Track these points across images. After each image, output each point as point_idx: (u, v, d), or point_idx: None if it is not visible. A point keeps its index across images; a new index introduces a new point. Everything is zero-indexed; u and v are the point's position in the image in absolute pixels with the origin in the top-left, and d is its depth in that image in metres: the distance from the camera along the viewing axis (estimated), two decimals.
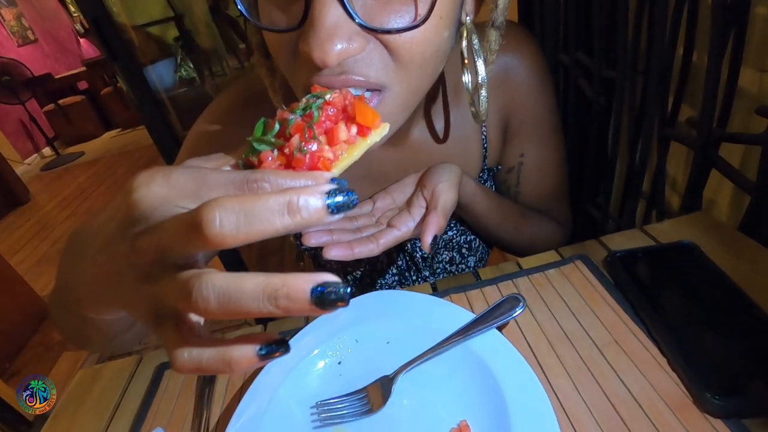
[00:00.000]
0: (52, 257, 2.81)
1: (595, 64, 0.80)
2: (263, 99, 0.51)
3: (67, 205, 3.61)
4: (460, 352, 0.43)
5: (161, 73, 2.86)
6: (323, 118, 0.28)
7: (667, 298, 0.44)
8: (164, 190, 0.23)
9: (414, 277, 0.66)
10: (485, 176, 0.62)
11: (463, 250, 0.65)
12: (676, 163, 0.77)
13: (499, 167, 0.63)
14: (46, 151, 5.05)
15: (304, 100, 0.30)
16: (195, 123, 0.59)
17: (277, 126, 0.28)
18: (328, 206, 0.21)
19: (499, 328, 0.45)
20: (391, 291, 0.55)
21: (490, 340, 0.43)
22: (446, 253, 0.64)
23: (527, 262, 0.55)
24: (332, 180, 0.24)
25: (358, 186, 0.58)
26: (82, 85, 5.36)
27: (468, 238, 0.65)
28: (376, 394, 0.43)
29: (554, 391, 0.40)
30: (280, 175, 0.24)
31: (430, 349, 0.43)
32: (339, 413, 0.42)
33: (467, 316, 0.45)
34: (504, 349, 0.41)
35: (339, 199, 0.21)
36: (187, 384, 0.50)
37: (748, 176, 0.56)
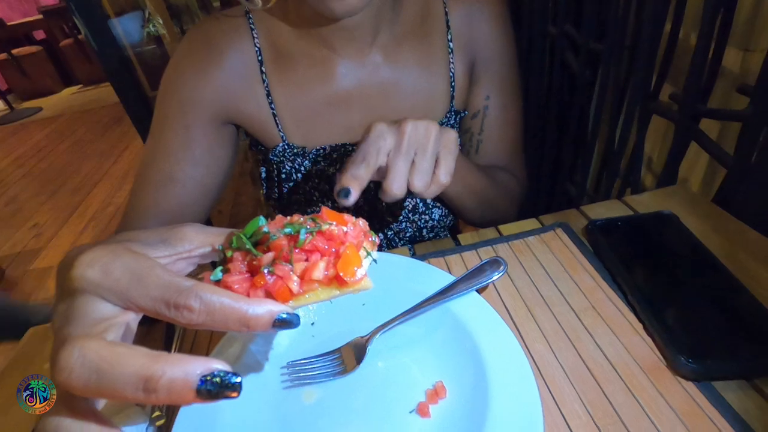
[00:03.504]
0: (6, 218, 2.65)
1: (584, 37, 0.79)
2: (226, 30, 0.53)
3: (23, 164, 3.39)
4: (438, 314, 0.42)
5: (128, 27, 2.67)
6: (309, 246, 0.25)
7: (644, 266, 0.44)
8: (97, 278, 0.22)
9: (378, 226, 0.65)
10: (452, 119, 0.61)
11: (428, 200, 0.64)
12: (652, 142, 0.78)
13: (465, 112, 0.63)
14: None
15: (301, 219, 0.27)
16: (165, 71, 0.55)
17: (265, 229, 0.26)
18: (198, 391, 0.19)
19: (479, 291, 0.44)
20: None
21: (469, 302, 0.42)
22: (408, 199, 0.63)
23: (508, 228, 0.55)
24: (279, 315, 0.23)
25: (321, 111, 0.57)
26: (39, 35, 4.96)
27: None
28: (349, 355, 0.41)
29: (531, 355, 0.39)
30: (215, 296, 0.22)
31: (407, 310, 0.42)
32: (310, 374, 0.40)
33: (446, 279, 0.44)
34: (483, 311, 0.41)
35: (215, 382, 0.19)
36: (151, 336, 0.47)
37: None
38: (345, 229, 0.27)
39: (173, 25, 2.60)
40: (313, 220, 0.27)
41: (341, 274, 0.25)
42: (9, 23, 4.62)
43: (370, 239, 0.29)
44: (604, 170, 0.86)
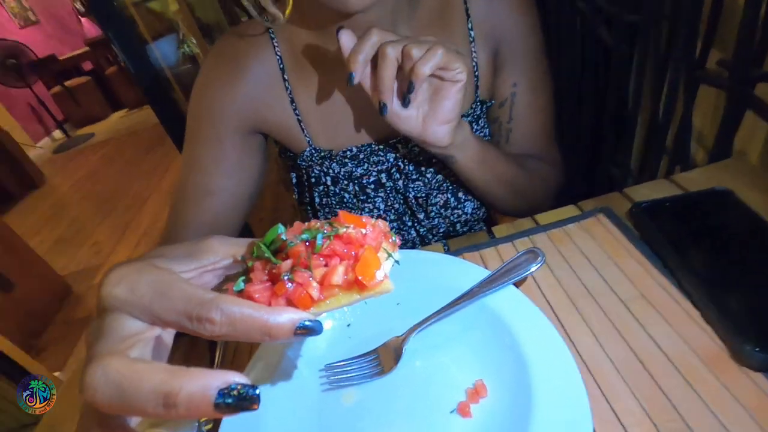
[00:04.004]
0: (69, 238, 2.86)
1: (617, 9, 0.74)
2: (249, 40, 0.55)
3: (81, 187, 3.65)
4: (474, 311, 0.41)
5: (164, 50, 2.81)
6: (327, 251, 0.25)
7: (698, 249, 0.41)
8: (124, 295, 0.23)
9: (410, 223, 0.64)
10: (478, 110, 0.60)
11: (459, 194, 0.62)
12: (701, 114, 0.72)
13: (492, 101, 0.61)
14: (57, 133, 5.08)
15: (318, 224, 0.27)
16: (193, 88, 0.57)
17: (283, 237, 0.26)
18: (216, 404, 0.19)
19: (516, 285, 0.42)
20: (401, 251, 0.52)
21: (506, 296, 0.40)
22: (439, 195, 0.62)
23: (545, 217, 0.52)
24: (300, 323, 0.23)
25: (345, 112, 0.58)
26: (87, 65, 5.32)
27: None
28: (387, 355, 0.41)
29: (576, 349, 0.37)
30: (236, 307, 0.22)
31: (442, 308, 0.41)
32: (349, 375, 0.40)
33: (481, 273, 0.43)
34: (522, 305, 0.39)
35: (233, 395, 0.19)
36: (197, 345, 0.49)
37: None
38: (363, 231, 0.26)
39: (206, 43, 2.71)
40: (330, 224, 0.26)
41: (360, 277, 0.24)
42: (60, 57, 4.98)
43: (390, 240, 0.28)
44: (649, 148, 0.81)
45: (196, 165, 0.57)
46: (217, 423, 0.38)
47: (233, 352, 0.48)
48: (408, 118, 0.47)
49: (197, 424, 0.38)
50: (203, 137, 0.57)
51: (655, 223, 0.44)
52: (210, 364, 0.46)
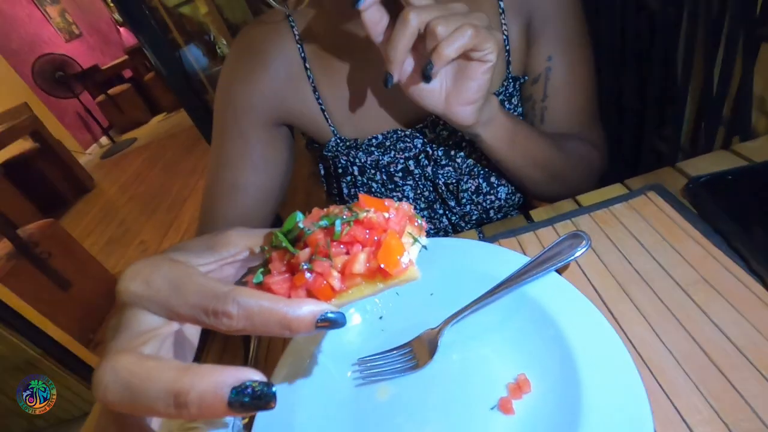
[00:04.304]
0: (118, 238, 3.02)
1: None
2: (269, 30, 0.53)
3: (127, 189, 3.84)
4: (513, 300, 0.38)
5: (196, 53, 2.88)
6: (347, 238, 0.23)
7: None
8: (140, 290, 0.23)
9: (441, 210, 0.62)
10: (510, 87, 0.55)
11: (492, 178, 0.58)
12: (764, 78, 0.65)
13: (525, 78, 0.56)
14: (104, 140, 5.36)
15: (337, 210, 0.25)
16: (218, 84, 0.57)
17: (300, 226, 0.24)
18: (230, 403, 0.18)
19: (559, 272, 0.39)
20: (432, 238, 0.50)
21: (548, 284, 0.37)
22: (470, 181, 0.58)
23: (588, 198, 0.48)
24: (321, 315, 0.21)
25: (368, 99, 0.55)
26: (127, 73, 5.57)
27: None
28: (421, 348, 0.39)
29: (629, 340, 0.34)
30: (253, 299, 0.21)
31: (479, 297, 0.39)
32: (382, 369, 0.39)
33: (520, 260, 0.40)
34: (566, 293, 0.36)
35: (248, 393, 0.18)
36: (231, 342, 0.49)
37: None
38: (386, 215, 0.24)
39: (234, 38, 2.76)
40: (350, 209, 0.25)
41: (382, 265, 0.22)
42: (103, 67, 5.24)
43: (416, 224, 0.26)
44: (703, 118, 0.74)
45: (223, 161, 0.57)
46: (252, 416, 0.38)
47: (267, 347, 0.47)
48: (430, 93, 0.43)
49: (233, 418, 0.38)
50: (229, 133, 0.56)
51: (716, 199, 0.40)
52: (244, 360, 0.46)
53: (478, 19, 0.38)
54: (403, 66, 0.41)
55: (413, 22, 0.37)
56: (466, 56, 0.40)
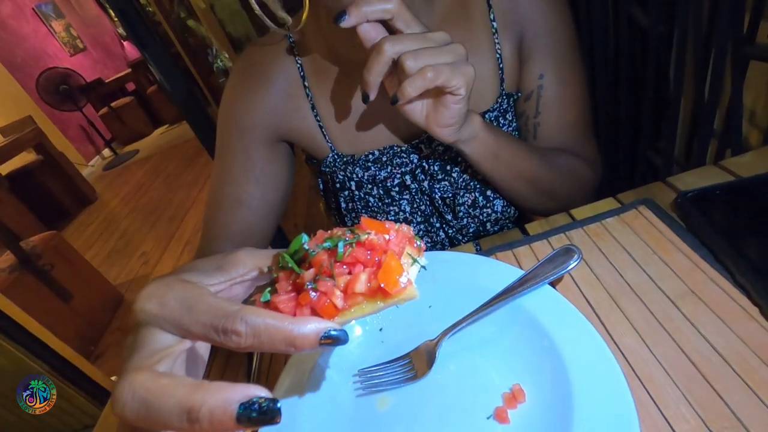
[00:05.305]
0: (120, 249, 3.03)
1: None
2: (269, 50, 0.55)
3: (129, 201, 3.86)
4: (509, 312, 0.39)
5: (198, 67, 2.93)
6: (349, 258, 0.25)
7: (754, 240, 0.38)
8: (155, 309, 0.24)
9: (438, 224, 0.63)
10: (504, 104, 0.57)
11: (488, 192, 0.60)
12: (753, 92, 0.67)
13: (519, 94, 0.58)
14: (106, 152, 5.41)
15: (340, 232, 0.27)
16: (221, 101, 0.59)
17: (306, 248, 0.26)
18: (239, 418, 0.19)
19: (552, 285, 0.40)
20: (430, 252, 0.51)
21: (542, 296, 0.39)
22: (467, 194, 0.60)
23: (581, 212, 0.50)
24: (325, 333, 0.23)
25: (364, 116, 0.57)
26: (130, 86, 5.63)
27: None
28: (420, 360, 0.40)
29: (620, 351, 0.35)
30: (260, 318, 0.23)
31: (475, 310, 0.40)
32: (382, 380, 0.40)
33: (515, 273, 0.41)
34: (559, 306, 0.37)
35: (254, 409, 0.20)
36: (234, 356, 0.50)
37: None
38: (386, 237, 0.26)
39: (237, 57, 2.80)
40: (352, 231, 0.26)
41: (382, 284, 0.24)
42: (106, 80, 5.31)
43: (415, 245, 0.28)
44: (695, 132, 0.75)
45: (225, 176, 0.59)
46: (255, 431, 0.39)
47: (269, 361, 0.48)
48: (412, 109, 0.45)
49: None
50: (231, 150, 0.58)
51: (704, 214, 0.41)
52: (246, 375, 0.47)
53: (451, 54, 0.40)
54: (377, 88, 0.42)
55: (388, 52, 0.39)
56: (437, 89, 0.42)
